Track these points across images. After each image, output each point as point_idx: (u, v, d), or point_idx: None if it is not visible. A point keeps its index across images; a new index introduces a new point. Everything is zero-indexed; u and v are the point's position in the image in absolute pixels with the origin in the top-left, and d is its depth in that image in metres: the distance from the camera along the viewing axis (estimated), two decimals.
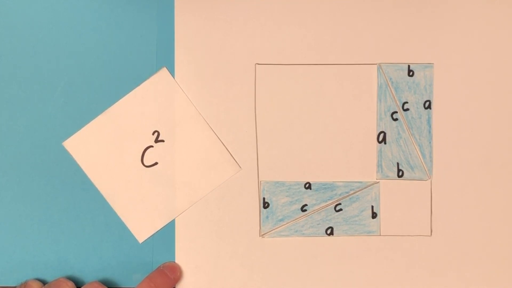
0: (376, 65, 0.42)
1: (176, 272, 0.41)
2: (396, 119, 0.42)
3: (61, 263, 0.42)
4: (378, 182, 0.42)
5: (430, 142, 0.42)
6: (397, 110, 0.42)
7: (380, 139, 0.42)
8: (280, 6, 0.42)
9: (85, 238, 0.42)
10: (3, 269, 0.41)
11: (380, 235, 0.42)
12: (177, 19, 0.42)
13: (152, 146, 0.42)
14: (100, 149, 0.42)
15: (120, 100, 0.42)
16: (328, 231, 0.42)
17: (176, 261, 0.42)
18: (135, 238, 0.42)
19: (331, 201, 0.42)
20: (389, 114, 0.42)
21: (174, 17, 0.42)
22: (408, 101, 0.42)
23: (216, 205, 0.42)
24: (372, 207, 0.42)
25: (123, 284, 0.42)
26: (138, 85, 0.42)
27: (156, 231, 0.42)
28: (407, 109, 0.42)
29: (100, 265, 0.42)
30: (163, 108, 0.42)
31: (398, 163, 0.42)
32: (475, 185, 0.42)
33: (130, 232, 0.42)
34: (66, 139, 0.42)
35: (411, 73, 0.42)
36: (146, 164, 0.42)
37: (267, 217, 0.42)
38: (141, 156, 0.42)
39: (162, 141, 0.42)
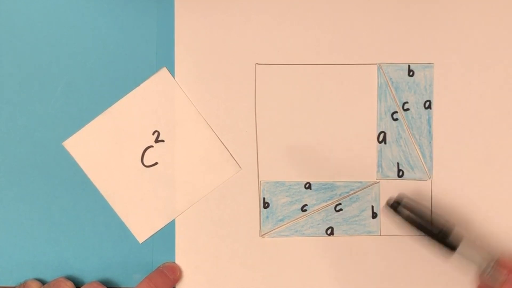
0: (376, 65, 0.42)
1: (176, 272, 0.41)
2: (396, 119, 0.42)
3: (61, 263, 0.42)
4: (378, 182, 0.42)
5: (430, 142, 0.42)
6: (397, 110, 0.42)
7: (380, 139, 0.42)
8: (280, 6, 0.42)
9: (85, 238, 0.42)
10: (3, 269, 0.41)
11: (380, 235, 0.42)
12: (177, 19, 0.42)
13: (152, 146, 0.42)
14: (100, 149, 0.42)
15: (120, 100, 0.42)
16: (328, 231, 0.42)
17: (176, 261, 0.42)
18: (135, 238, 0.42)
19: (331, 201, 0.42)
20: (389, 114, 0.42)
21: (174, 17, 0.42)
22: (408, 101, 0.42)
23: (216, 205, 0.42)
24: (372, 207, 0.42)
25: (123, 284, 0.42)
26: (138, 85, 0.42)
27: (156, 231, 0.42)
28: (407, 109, 0.42)
29: (100, 265, 0.42)
30: (163, 108, 0.42)
31: (398, 163, 0.42)
32: (475, 185, 0.42)
33: (130, 232, 0.42)
34: (66, 139, 0.42)
35: (411, 73, 0.42)
36: (146, 164, 0.42)
37: (267, 217, 0.42)
38: (141, 156, 0.42)
39: (162, 141, 0.42)
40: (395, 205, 0.38)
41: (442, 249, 0.38)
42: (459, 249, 0.37)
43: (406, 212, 0.38)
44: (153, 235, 0.42)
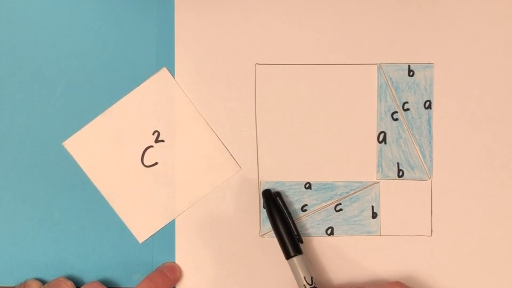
0: (376, 65, 0.42)
1: (176, 272, 0.41)
2: (396, 119, 0.42)
3: (61, 263, 0.42)
4: (378, 182, 0.42)
5: (430, 142, 0.42)
6: (397, 110, 0.42)
7: (380, 139, 0.42)
8: (280, 6, 0.42)
9: (85, 238, 0.42)
10: (3, 269, 0.41)
11: (380, 235, 0.42)
12: (177, 19, 0.42)
13: (152, 146, 0.42)
14: (100, 149, 0.42)
15: (120, 100, 0.42)
16: (328, 231, 0.42)
17: (176, 261, 0.42)
18: (135, 238, 0.42)
19: (331, 201, 0.42)
20: (389, 114, 0.42)
21: (174, 17, 0.42)
22: (408, 101, 0.42)
23: (216, 205, 0.42)
24: (372, 207, 0.42)
25: (123, 284, 0.42)
26: (138, 85, 0.42)
27: (156, 231, 0.42)
28: (407, 109, 0.42)
29: (100, 265, 0.42)
30: (163, 108, 0.42)
31: (398, 163, 0.42)
32: (475, 185, 0.42)
33: (130, 232, 0.42)
34: (66, 139, 0.42)
35: (411, 73, 0.42)
36: (146, 164, 0.42)
37: (267, 217, 0.42)
38: (141, 156, 0.42)
39: (162, 141, 0.42)
40: (276, 194, 0.41)
41: (284, 250, 0.39)
42: (295, 258, 0.39)
43: (281, 203, 0.40)
44: (153, 235, 0.42)
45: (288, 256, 0.39)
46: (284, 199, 0.42)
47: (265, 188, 0.41)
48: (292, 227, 0.40)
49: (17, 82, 0.42)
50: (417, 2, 0.42)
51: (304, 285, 0.38)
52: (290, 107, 0.42)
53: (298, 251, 0.39)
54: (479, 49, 0.42)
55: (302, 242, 0.40)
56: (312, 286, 0.38)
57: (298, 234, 0.40)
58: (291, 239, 0.39)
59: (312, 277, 0.38)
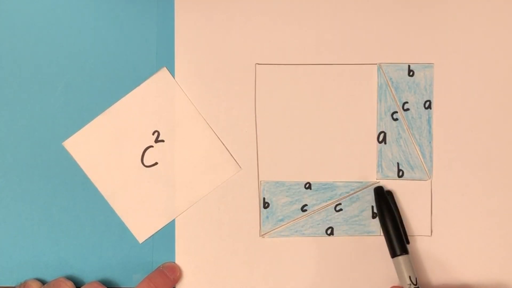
0: (376, 65, 0.42)
1: (176, 272, 0.41)
2: (396, 119, 0.42)
3: (61, 263, 0.42)
4: (378, 182, 0.42)
5: (430, 142, 0.42)
6: (397, 110, 0.42)
7: (380, 139, 0.42)
8: (280, 6, 0.42)
9: (85, 238, 0.42)
10: (3, 269, 0.41)
11: (380, 235, 0.42)
12: (177, 19, 0.42)
13: (152, 146, 0.42)
14: (100, 149, 0.42)
15: (120, 100, 0.42)
16: (328, 231, 0.42)
17: (176, 261, 0.42)
18: (135, 238, 0.42)
19: (331, 201, 0.42)
20: (389, 114, 0.42)
21: (174, 17, 0.42)
22: (408, 101, 0.42)
23: (216, 205, 0.42)
24: (372, 207, 0.42)
25: (123, 284, 0.42)
26: (138, 85, 0.42)
27: (156, 231, 0.42)
28: (407, 109, 0.42)
29: (100, 265, 0.42)
30: (163, 108, 0.42)
31: (398, 163, 0.42)
32: (475, 185, 0.42)
33: (130, 232, 0.42)
34: (66, 139, 0.42)
35: (411, 73, 0.42)
36: (146, 164, 0.42)
37: (267, 217, 0.42)
38: (141, 156, 0.42)
39: (162, 141, 0.42)
40: (388, 193, 0.41)
41: (390, 248, 0.40)
42: (400, 257, 0.39)
43: (392, 202, 0.41)
44: (153, 235, 0.42)
45: (394, 255, 0.39)
46: (285, 199, 0.42)
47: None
48: (401, 227, 0.40)
49: (17, 82, 0.42)
50: (417, 2, 0.42)
51: (409, 285, 0.38)
52: (290, 107, 0.42)
53: (405, 251, 0.39)
54: (479, 49, 0.42)
55: (408, 243, 0.41)
56: (416, 286, 0.38)
57: (405, 235, 0.41)
58: (398, 238, 0.40)
59: (416, 278, 0.39)
